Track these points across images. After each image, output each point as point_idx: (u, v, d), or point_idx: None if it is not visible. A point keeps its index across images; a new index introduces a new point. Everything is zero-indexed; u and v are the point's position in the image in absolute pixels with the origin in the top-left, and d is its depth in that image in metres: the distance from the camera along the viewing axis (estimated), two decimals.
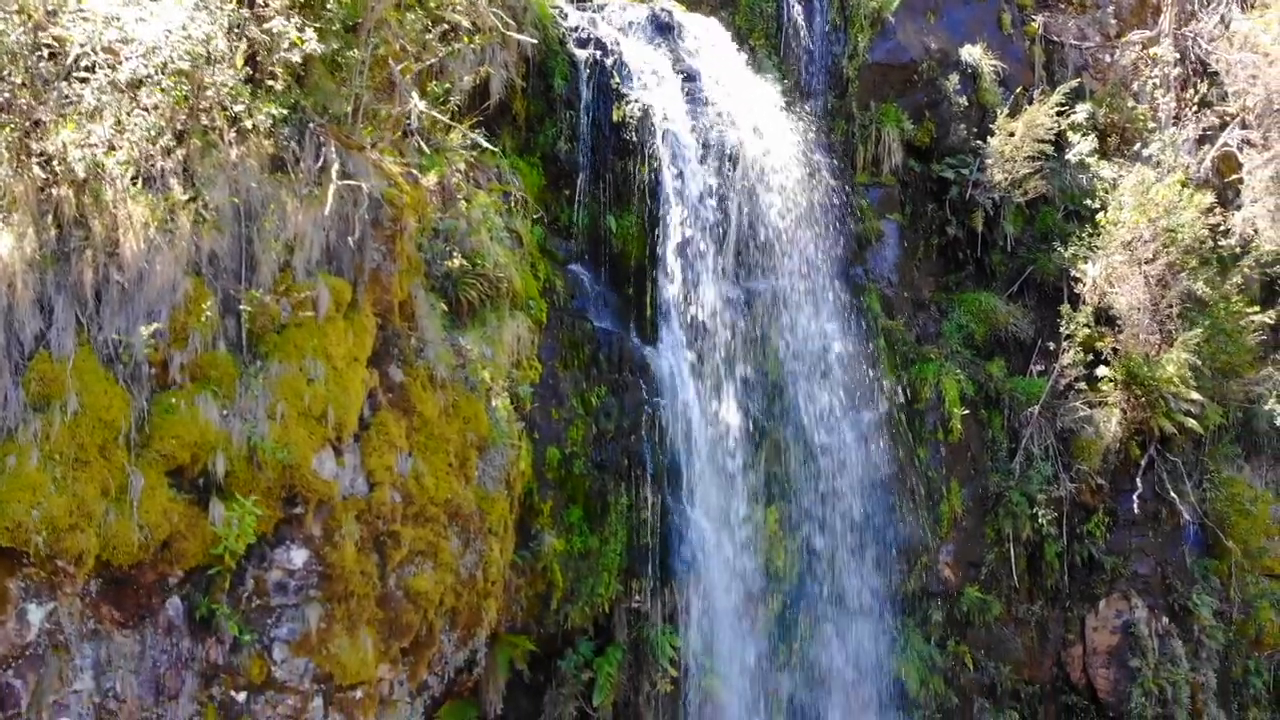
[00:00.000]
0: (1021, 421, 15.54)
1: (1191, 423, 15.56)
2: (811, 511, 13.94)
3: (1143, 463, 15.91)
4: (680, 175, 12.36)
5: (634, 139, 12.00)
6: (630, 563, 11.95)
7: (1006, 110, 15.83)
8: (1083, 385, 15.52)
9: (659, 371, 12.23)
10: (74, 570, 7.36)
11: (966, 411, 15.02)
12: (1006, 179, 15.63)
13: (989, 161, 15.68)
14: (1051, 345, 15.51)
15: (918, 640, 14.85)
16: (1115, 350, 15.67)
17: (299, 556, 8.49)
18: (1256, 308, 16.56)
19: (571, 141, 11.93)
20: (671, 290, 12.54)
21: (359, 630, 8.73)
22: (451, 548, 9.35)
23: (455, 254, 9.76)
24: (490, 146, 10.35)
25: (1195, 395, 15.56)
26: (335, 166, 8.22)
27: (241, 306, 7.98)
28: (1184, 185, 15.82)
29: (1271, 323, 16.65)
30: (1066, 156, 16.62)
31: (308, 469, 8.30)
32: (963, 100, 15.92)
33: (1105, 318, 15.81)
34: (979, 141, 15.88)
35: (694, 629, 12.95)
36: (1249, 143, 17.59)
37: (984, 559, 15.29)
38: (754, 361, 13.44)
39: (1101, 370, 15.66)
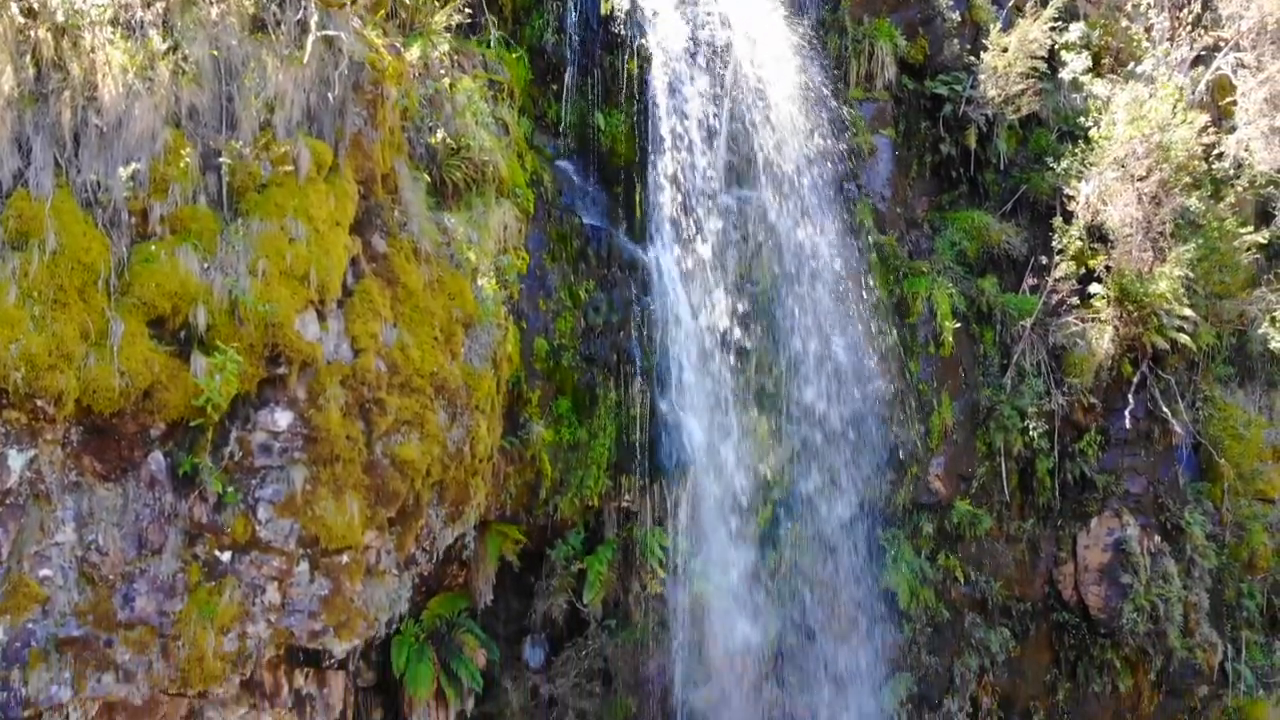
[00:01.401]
0: (1013, 337, 15.52)
1: (1184, 339, 15.52)
2: (801, 421, 13.92)
3: (1135, 380, 15.87)
4: (670, 73, 12.30)
5: (622, 33, 11.92)
6: (619, 459, 11.94)
7: (999, 26, 15.75)
8: (1075, 302, 15.47)
9: (648, 270, 12.20)
10: (54, 412, 7.35)
11: (958, 325, 14.99)
12: (1000, 95, 15.55)
13: (982, 77, 15.60)
14: (1044, 260, 15.45)
15: (908, 552, 14.88)
16: (1108, 268, 15.61)
17: (283, 418, 8.48)
18: (1249, 228, 16.53)
19: (559, 34, 11.85)
20: (661, 191, 12.49)
21: (345, 494, 8.73)
22: (438, 420, 9.34)
23: (439, 130, 9.71)
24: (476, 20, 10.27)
25: (1188, 311, 15.54)
26: (315, 19, 8.19)
27: (222, 159, 7.95)
28: (1178, 101, 15.74)
29: (1264, 242, 16.64)
30: (1060, 75, 16.56)
31: (290, 328, 8.28)
32: (955, 17, 15.84)
33: (1098, 235, 15.76)
34: (972, 58, 15.80)
35: (683, 531, 12.97)
36: (1243, 65, 17.54)
37: (975, 473, 15.28)
38: (744, 269, 13.40)
39: (1094, 288, 15.62)
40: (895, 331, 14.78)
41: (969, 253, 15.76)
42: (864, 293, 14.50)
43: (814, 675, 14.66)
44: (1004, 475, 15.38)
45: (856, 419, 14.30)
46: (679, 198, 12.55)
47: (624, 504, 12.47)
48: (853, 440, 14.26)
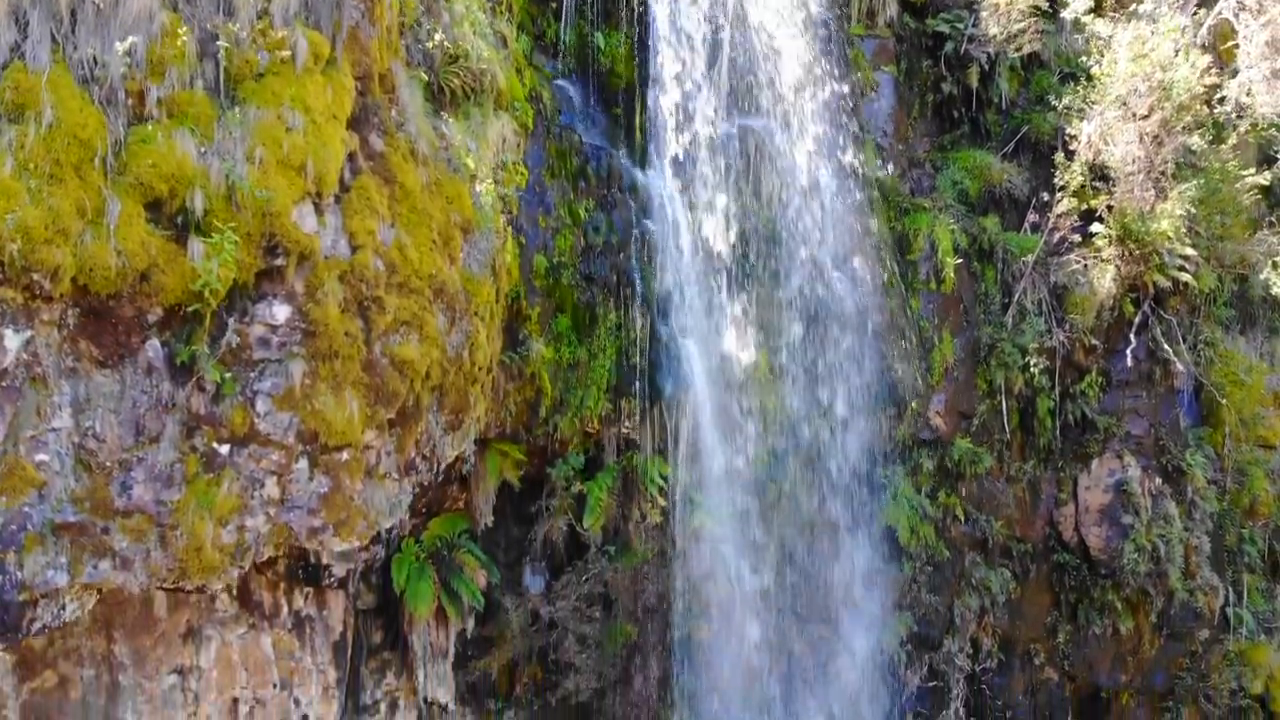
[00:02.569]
0: (1015, 275, 15.48)
1: (1186, 277, 15.49)
2: (802, 355, 13.89)
3: (1136, 320, 15.82)
4: None
5: None
6: (619, 381, 11.91)
7: None
8: (1077, 239, 15.42)
9: (648, 193, 12.15)
10: (50, 288, 7.30)
11: (960, 261, 14.95)
12: (1002, 33, 15.49)
13: (984, 15, 15.54)
14: (1046, 196, 15.40)
15: (907, 488, 14.84)
16: (1109, 208, 15.57)
17: (281, 312, 8.44)
18: (1251, 170, 16.47)
19: None
20: (661, 115, 12.44)
21: (344, 391, 8.69)
22: (437, 323, 9.29)
23: (437, 34, 9.65)
24: None
25: (1190, 251, 15.51)
26: None
27: (219, 43, 7.90)
28: (1180, 38, 15.66)
29: (1266, 184, 16.59)
30: (1062, 16, 16.48)
31: (287, 218, 8.23)
32: None
33: (1100, 174, 15.71)
34: None
35: (683, 462, 12.93)
36: (1244, 7, 17.47)
37: (975, 410, 15.24)
38: (746, 200, 13.35)
39: (1096, 227, 15.57)
40: (896, 268, 14.74)
41: (970, 191, 15.71)
42: (865, 227, 14.45)
43: (813, 611, 14.63)
44: (1004, 414, 15.35)
45: (857, 353, 14.26)
46: (679, 122, 12.50)
47: (624, 430, 12.42)
48: (852, 375, 14.23)
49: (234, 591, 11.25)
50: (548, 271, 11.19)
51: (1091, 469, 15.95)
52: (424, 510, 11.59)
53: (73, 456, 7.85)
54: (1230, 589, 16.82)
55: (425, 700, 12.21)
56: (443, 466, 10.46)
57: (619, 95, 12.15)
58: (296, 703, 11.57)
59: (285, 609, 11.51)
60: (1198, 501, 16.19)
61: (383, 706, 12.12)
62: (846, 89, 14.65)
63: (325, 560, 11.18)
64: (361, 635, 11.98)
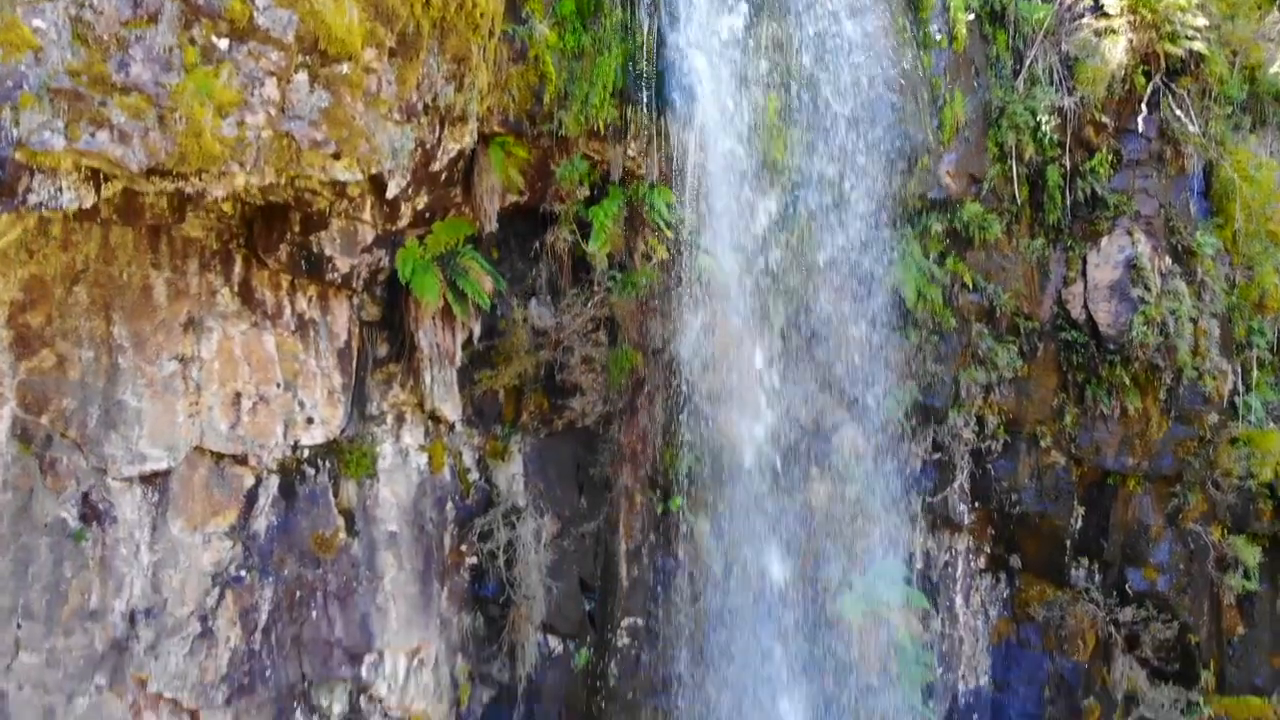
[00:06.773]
0: (1026, 41, 15.26)
1: (1199, 46, 15.26)
2: (812, 103, 13.67)
3: (1147, 94, 15.60)
4: None
5: None
6: (626, 87, 11.68)
7: None
8: (1089, 4, 15.21)
9: None
10: None
11: (971, 17, 14.72)
12: None
13: None
14: None
15: (916, 251, 14.68)
16: None
17: None
18: None
19: None
20: None
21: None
22: None
23: None
24: None
25: (1202, 21, 15.29)
26: None
27: None
28: None
29: None
30: None
31: None
32: None
33: None
34: None
35: (689, 202, 12.74)
36: None
37: (986, 174, 15.06)
38: None
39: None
40: (907, 24, 14.50)
41: None
42: None
43: (817, 377, 14.50)
44: (1014, 180, 15.18)
45: (867, 105, 14.03)
46: None
47: (629, 156, 12.23)
48: (862, 126, 14.01)
49: (235, 287, 11.16)
50: None
51: (1101, 246, 15.78)
52: (427, 215, 11.42)
53: (70, 30, 7.67)
54: (1239, 378, 16.73)
55: (433, 417, 12.11)
56: (443, 164, 10.28)
57: None
58: (301, 405, 11.49)
59: (288, 309, 11.41)
60: (1207, 282, 16.05)
61: (389, 418, 12.02)
62: None
63: (329, 251, 11.04)
64: (367, 345, 11.86)
